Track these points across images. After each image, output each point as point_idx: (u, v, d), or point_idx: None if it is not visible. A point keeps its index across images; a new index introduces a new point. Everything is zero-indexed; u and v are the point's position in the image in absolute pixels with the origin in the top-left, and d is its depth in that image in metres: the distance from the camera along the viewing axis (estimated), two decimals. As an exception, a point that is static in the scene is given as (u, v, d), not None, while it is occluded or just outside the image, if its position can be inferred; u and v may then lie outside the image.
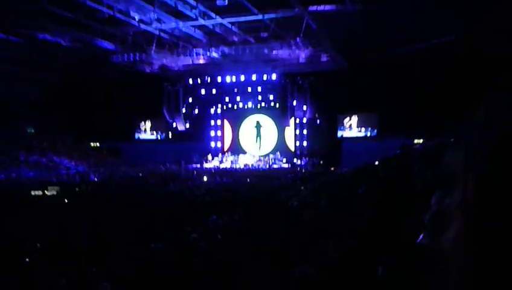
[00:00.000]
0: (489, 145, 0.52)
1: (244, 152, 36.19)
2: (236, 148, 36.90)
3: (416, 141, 24.19)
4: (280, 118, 33.80)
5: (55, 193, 19.66)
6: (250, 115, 37.11)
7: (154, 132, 38.69)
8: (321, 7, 18.43)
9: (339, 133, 32.54)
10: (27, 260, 8.62)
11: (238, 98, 35.82)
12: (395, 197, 6.51)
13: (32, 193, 19.42)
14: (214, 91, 34.42)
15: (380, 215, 4.84)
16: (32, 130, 34.53)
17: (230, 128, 38.01)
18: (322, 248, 3.29)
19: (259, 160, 33.89)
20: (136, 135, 38.92)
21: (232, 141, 37.81)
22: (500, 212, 0.49)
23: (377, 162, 16.04)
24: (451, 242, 0.55)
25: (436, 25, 20.50)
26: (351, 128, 32.45)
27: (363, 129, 32.07)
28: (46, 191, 19.67)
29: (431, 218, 2.64)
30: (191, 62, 28.86)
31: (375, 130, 31.61)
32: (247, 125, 37.42)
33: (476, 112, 0.57)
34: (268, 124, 36.36)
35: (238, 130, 37.71)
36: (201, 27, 21.80)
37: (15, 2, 17.03)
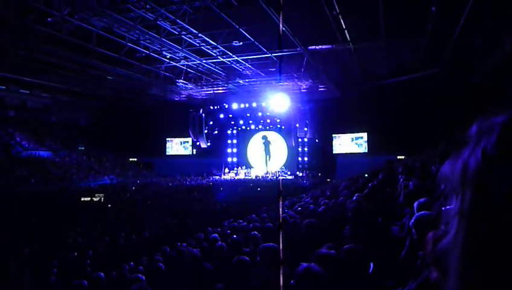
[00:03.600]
0: (485, 160, 0.48)
1: (251, 167, 35.88)
2: (246, 163, 36.75)
3: (398, 157, 24.00)
4: (286, 136, 33.85)
5: (100, 199, 19.70)
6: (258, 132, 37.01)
7: (182, 149, 38.83)
8: (319, 47, 18.51)
9: (334, 150, 32.35)
10: (75, 253, 8.60)
11: (250, 121, 35.98)
12: (382, 203, 6.39)
13: (82, 199, 19.48)
14: (230, 115, 34.67)
15: (370, 219, 4.73)
16: (83, 148, 34.80)
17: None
18: (321, 249, 3.21)
19: (267, 172, 33.77)
20: (167, 151, 39.06)
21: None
22: (497, 218, 0.46)
23: (366, 175, 15.90)
24: (451, 245, 0.51)
25: (414, 62, 20.53)
26: (344, 146, 32.26)
27: (354, 147, 31.85)
28: (93, 198, 19.72)
29: (416, 221, 2.56)
30: (212, 92, 29.18)
31: (365, 148, 31.38)
32: (255, 142, 37.13)
33: (470, 130, 0.53)
34: (277, 139, 36.08)
35: (247, 146, 37.53)
36: (220, 63, 21.98)
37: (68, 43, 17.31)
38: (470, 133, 0.53)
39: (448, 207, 0.54)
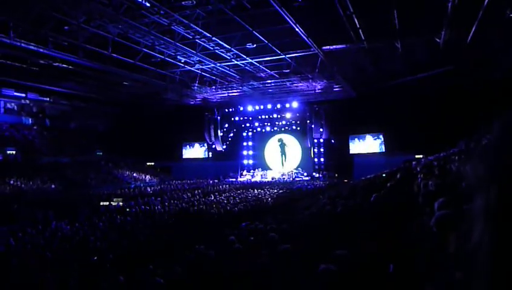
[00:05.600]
0: (506, 160, 0.46)
1: (269, 168, 35.98)
2: (262, 165, 36.83)
3: (417, 156, 23.62)
4: (301, 138, 33.74)
5: (118, 203, 19.90)
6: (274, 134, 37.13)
7: (198, 152, 39.09)
8: (333, 47, 18.39)
9: (351, 150, 32.06)
10: (95, 258, 8.71)
11: (266, 123, 35.98)
12: (401, 203, 6.28)
13: (101, 203, 19.74)
14: (245, 118, 34.76)
15: (389, 219, 4.66)
16: (101, 153, 35.29)
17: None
18: (339, 250, 3.17)
19: (284, 174, 33.70)
20: (183, 155, 39.34)
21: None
22: None
23: (384, 174, 15.69)
24: (477, 244, 0.49)
25: (430, 59, 20.20)
26: (361, 146, 31.96)
27: (371, 147, 31.50)
28: (111, 202, 19.95)
29: (437, 221, 2.50)
30: (226, 94, 29.31)
31: (382, 148, 31.00)
32: (272, 144, 37.25)
33: (493, 129, 0.51)
34: (292, 142, 36.08)
35: (264, 148, 37.60)
36: (234, 66, 22.06)
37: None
38: (493, 131, 0.51)
39: (471, 206, 0.52)
